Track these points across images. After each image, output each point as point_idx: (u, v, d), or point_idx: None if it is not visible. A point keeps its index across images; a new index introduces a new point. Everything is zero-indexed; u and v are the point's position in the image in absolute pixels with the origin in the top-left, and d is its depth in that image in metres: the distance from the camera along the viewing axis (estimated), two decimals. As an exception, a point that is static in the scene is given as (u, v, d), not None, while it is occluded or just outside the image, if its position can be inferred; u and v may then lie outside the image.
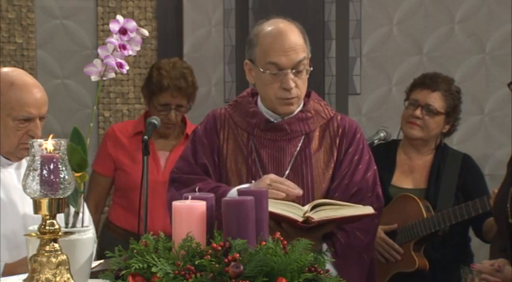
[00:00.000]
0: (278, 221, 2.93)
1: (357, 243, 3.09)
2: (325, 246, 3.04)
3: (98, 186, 4.42)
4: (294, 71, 3.07)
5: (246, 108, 3.20)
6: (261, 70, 3.08)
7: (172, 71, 4.27)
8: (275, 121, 3.17)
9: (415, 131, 4.00)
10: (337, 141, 3.18)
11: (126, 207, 4.31)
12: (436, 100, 3.97)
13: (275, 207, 2.87)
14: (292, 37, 3.08)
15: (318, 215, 2.89)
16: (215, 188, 3.03)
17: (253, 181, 3.05)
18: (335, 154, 3.17)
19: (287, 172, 3.13)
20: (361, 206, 2.98)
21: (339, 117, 3.23)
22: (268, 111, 3.17)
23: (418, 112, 3.97)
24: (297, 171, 3.12)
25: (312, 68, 3.14)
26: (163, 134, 4.31)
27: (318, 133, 3.19)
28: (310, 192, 3.07)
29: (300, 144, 3.16)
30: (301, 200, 3.00)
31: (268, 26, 3.12)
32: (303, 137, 3.17)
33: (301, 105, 3.19)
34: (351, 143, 3.18)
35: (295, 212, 2.91)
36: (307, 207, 2.92)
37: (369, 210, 2.95)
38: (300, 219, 2.90)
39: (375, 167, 3.21)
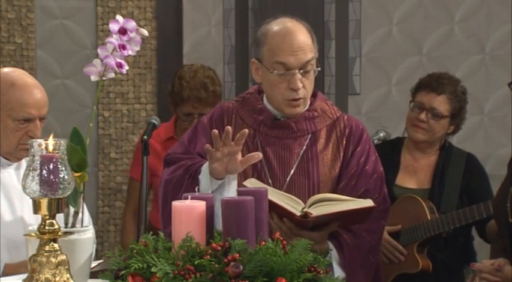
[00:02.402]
0: (279, 214, 2.93)
1: (364, 245, 3.07)
2: (331, 246, 3.03)
3: (136, 192, 4.42)
4: (301, 71, 3.04)
5: (254, 104, 3.19)
6: (269, 70, 3.06)
7: (192, 81, 4.24)
8: (282, 119, 3.16)
9: (420, 134, 3.99)
10: (344, 142, 3.16)
11: None
12: (441, 104, 3.95)
13: (276, 197, 2.86)
14: (301, 37, 3.06)
15: (316, 211, 2.89)
16: (200, 162, 3.04)
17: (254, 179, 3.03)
18: (341, 154, 3.15)
19: (292, 171, 3.12)
20: (360, 199, 2.96)
21: (345, 118, 3.22)
22: (273, 110, 3.16)
23: (423, 116, 3.95)
24: (303, 170, 3.11)
25: (319, 68, 3.13)
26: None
27: (324, 132, 3.17)
28: (316, 191, 3.05)
29: (306, 143, 3.15)
30: (307, 199, 2.99)
31: (276, 25, 3.09)
32: (309, 136, 3.15)
33: (308, 104, 3.18)
34: (358, 143, 3.16)
35: (295, 206, 2.91)
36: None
37: (368, 203, 2.94)
38: (298, 214, 2.89)
39: (381, 168, 3.20)
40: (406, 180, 4.05)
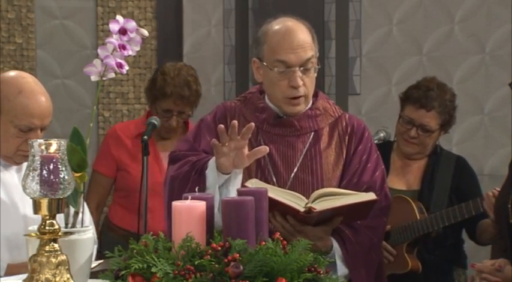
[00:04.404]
0: (282, 212, 2.94)
1: (366, 241, 3.08)
2: (335, 243, 3.04)
3: (99, 186, 4.40)
4: (302, 68, 3.06)
5: (256, 103, 3.20)
6: (269, 68, 3.08)
7: (177, 78, 4.23)
8: (284, 117, 3.16)
9: (411, 148, 4.01)
10: (346, 140, 3.18)
11: (128, 207, 4.30)
12: (431, 120, 3.94)
13: (278, 195, 2.86)
14: (301, 35, 3.08)
15: (320, 205, 2.89)
16: (206, 158, 3.04)
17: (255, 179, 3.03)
18: (344, 152, 3.16)
19: (296, 168, 3.12)
20: (363, 193, 2.98)
21: (347, 116, 3.24)
22: (276, 108, 3.17)
23: (413, 132, 3.95)
24: (307, 168, 3.12)
25: (319, 66, 3.14)
26: (164, 136, 4.30)
27: (326, 131, 3.18)
28: (320, 188, 3.06)
29: (309, 141, 3.16)
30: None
31: (277, 24, 3.11)
32: (312, 134, 3.17)
33: (310, 103, 3.18)
34: (359, 141, 3.18)
35: (298, 203, 2.91)
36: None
37: (370, 196, 2.95)
38: (302, 210, 2.90)
39: (383, 166, 3.21)
40: (396, 182, 4.05)
